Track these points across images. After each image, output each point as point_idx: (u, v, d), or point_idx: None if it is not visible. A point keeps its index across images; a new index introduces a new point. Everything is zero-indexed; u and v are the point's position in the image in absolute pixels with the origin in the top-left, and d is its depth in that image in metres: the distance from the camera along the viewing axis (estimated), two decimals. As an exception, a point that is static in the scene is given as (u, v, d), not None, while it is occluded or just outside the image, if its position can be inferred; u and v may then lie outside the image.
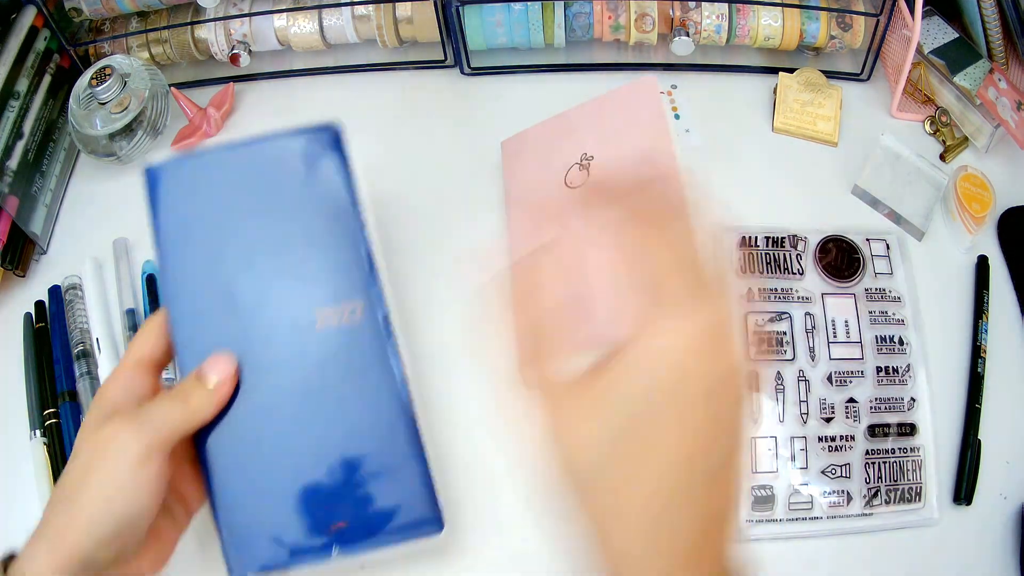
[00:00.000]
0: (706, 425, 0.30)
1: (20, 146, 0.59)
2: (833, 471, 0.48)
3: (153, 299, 0.55)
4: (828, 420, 0.49)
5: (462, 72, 0.65)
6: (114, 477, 0.38)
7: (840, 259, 0.54)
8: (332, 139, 0.45)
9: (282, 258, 0.43)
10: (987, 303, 0.53)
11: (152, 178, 0.44)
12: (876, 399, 0.49)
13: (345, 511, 0.40)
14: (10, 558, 0.38)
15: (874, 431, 0.49)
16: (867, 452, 0.48)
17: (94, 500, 0.38)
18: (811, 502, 0.47)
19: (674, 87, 0.63)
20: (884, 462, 0.48)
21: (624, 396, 0.30)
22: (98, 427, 0.39)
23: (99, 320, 0.54)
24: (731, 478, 0.31)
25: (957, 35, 0.62)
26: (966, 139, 0.60)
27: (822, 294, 0.52)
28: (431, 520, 0.41)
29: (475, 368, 0.51)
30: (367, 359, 0.42)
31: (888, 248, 0.54)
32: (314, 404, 0.41)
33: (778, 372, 0.50)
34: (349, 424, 0.41)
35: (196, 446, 0.41)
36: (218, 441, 0.41)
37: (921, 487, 0.47)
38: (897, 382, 0.50)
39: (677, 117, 0.62)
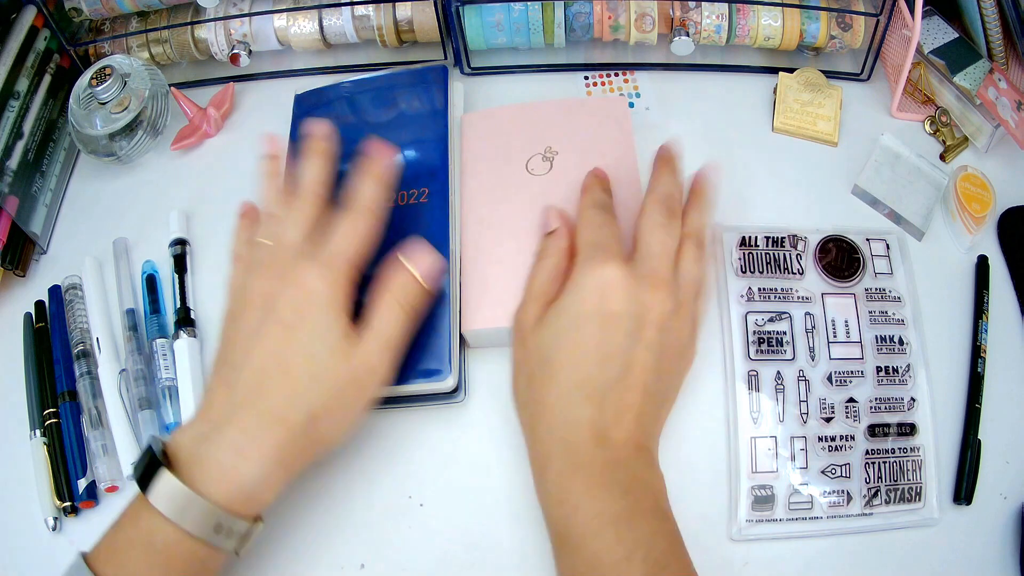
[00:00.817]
0: (596, 352, 0.41)
1: (20, 146, 0.59)
2: (833, 471, 0.48)
3: (153, 299, 0.55)
4: (828, 420, 0.49)
5: (462, 72, 0.65)
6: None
7: (840, 259, 0.54)
8: (440, 73, 0.59)
9: None
10: (987, 303, 0.53)
11: (298, 99, 0.61)
12: (876, 399, 0.49)
13: None
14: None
15: (874, 431, 0.49)
16: (867, 452, 0.48)
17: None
18: (811, 502, 0.47)
19: (632, 68, 0.65)
20: (884, 462, 0.48)
21: (548, 331, 0.42)
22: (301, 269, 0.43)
23: (99, 320, 0.54)
24: (623, 395, 0.40)
25: (957, 35, 0.62)
26: (966, 139, 0.60)
27: (822, 294, 0.52)
28: (443, 371, 0.48)
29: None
30: (423, 231, 0.50)
31: (888, 248, 0.54)
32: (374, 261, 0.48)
33: (778, 372, 0.50)
34: None
35: None
36: None
37: (921, 487, 0.47)
38: (897, 382, 0.50)
39: (638, 95, 0.63)
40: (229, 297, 0.48)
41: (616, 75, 0.65)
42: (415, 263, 0.45)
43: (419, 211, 0.53)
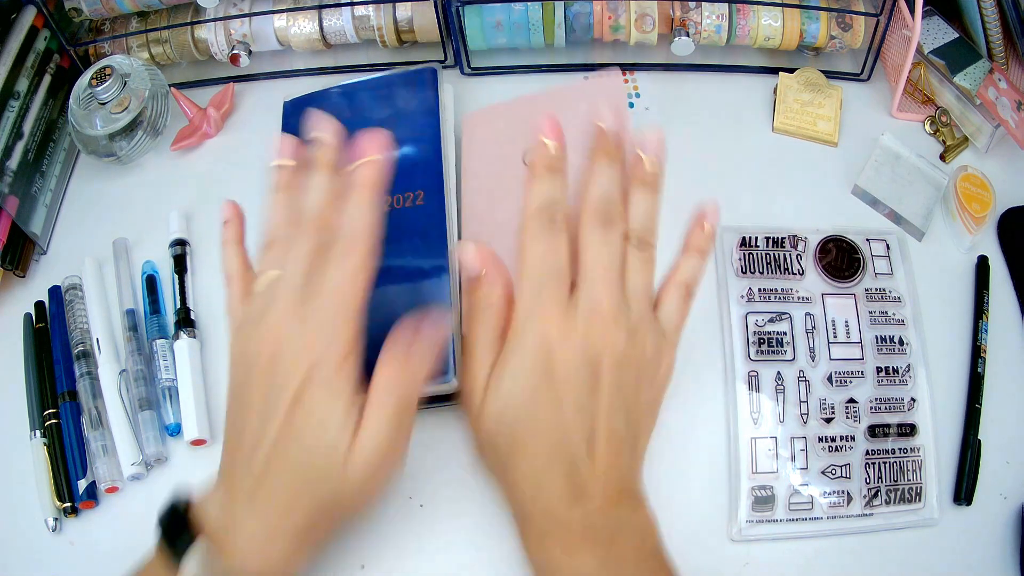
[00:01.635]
0: (559, 415, 0.38)
1: (20, 146, 0.59)
2: (833, 471, 0.48)
3: (153, 299, 0.55)
4: (828, 420, 0.49)
5: (462, 72, 0.65)
6: None
7: (840, 259, 0.54)
8: (431, 75, 0.59)
9: None
10: (987, 303, 0.53)
11: (287, 106, 0.60)
12: (876, 399, 0.49)
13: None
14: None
15: (874, 431, 0.49)
16: (867, 452, 0.48)
17: None
18: (811, 502, 0.47)
19: (632, 68, 0.65)
20: (884, 462, 0.48)
21: (501, 401, 0.39)
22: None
23: (99, 320, 0.54)
24: (594, 449, 0.38)
25: (957, 35, 0.62)
26: (966, 139, 0.60)
27: (822, 294, 0.52)
28: (447, 373, 0.47)
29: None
30: (420, 234, 0.52)
31: (888, 248, 0.54)
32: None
33: (778, 372, 0.50)
34: (396, 289, 0.50)
35: None
36: None
37: (921, 487, 0.47)
38: (897, 382, 0.50)
39: (638, 95, 0.63)
40: (232, 338, 0.42)
41: (616, 75, 0.65)
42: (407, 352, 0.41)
43: (415, 214, 0.53)
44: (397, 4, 0.63)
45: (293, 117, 0.60)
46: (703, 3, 0.60)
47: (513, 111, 0.58)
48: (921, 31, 0.56)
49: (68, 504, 0.48)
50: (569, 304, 0.39)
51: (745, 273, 0.53)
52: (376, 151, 0.41)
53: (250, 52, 0.65)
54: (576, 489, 0.38)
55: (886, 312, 0.52)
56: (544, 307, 0.39)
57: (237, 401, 0.41)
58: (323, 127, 0.43)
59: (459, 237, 0.53)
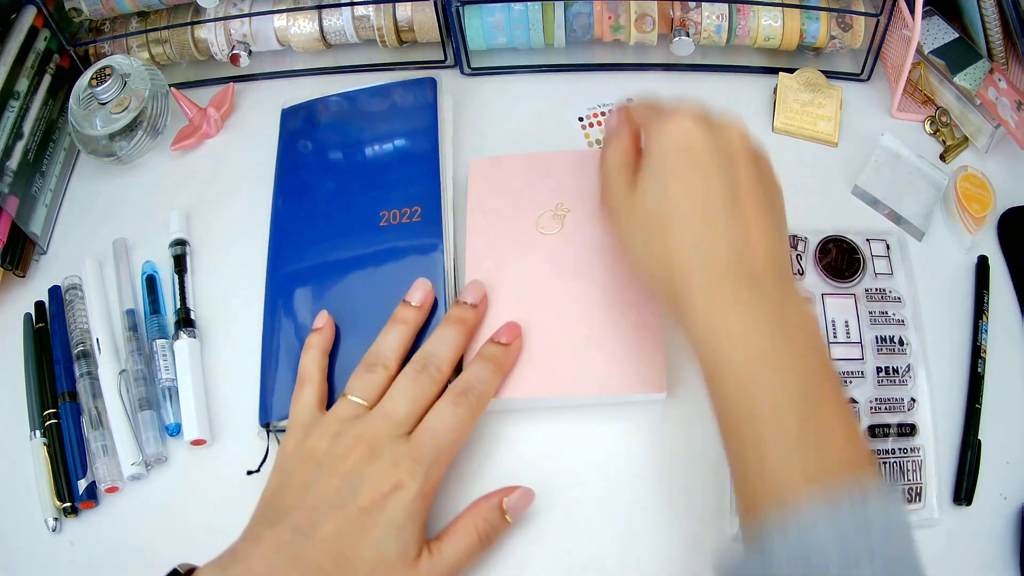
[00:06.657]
0: (705, 180, 0.41)
1: (20, 146, 0.59)
2: (833, 471, 0.47)
3: (153, 299, 0.55)
4: (828, 420, 0.49)
5: (462, 72, 0.65)
6: None
7: (840, 259, 0.54)
8: (430, 85, 0.59)
9: (366, 172, 0.56)
10: (987, 303, 0.53)
11: (284, 113, 0.60)
12: (876, 399, 0.49)
13: None
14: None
15: (874, 431, 0.49)
16: (867, 452, 0.48)
17: None
18: (811, 502, 0.47)
19: (629, 99, 0.62)
20: (884, 462, 0.48)
21: (648, 187, 0.42)
22: None
23: (99, 320, 0.54)
24: (747, 213, 0.40)
25: (957, 35, 0.62)
26: (966, 139, 0.60)
27: (822, 294, 0.52)
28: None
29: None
30: (417, 251, 0.51)
31: (888, 248, 0.54)
32: (362, 287, 0.51)
33: (778, 372, 0.50)
34: (389, 307, 0.49)
35: (264, 315, 0.52)
36: (277, 315, 0.52)
37: (921, 487, 0.47)
38: (897, 382, 0.50)
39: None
40: (296, 434, 0.44)
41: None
42: (506, 493, 0.44)
43: (411, 230, 0.52)
44: (397, 4, 0.63)
45: (290, 124, 0.60)
46: (703, 3, 0.60)
47: (523, 166, 0.55)
48: (921, 31, 0.56)
49: (68, 504, 0.48)
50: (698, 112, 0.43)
51: (745, 273, 0.53)
52: (513, 338, 0.47)
53: (250, 52, 0.65)
54: (737, 254, 0.39)
55: (886, 312, 0.52)
56: (673, 114, 0.42)
57: (291, 487, 0.41)
58: (470, 293, 0.48)
59: (455, 256, 0.52)
